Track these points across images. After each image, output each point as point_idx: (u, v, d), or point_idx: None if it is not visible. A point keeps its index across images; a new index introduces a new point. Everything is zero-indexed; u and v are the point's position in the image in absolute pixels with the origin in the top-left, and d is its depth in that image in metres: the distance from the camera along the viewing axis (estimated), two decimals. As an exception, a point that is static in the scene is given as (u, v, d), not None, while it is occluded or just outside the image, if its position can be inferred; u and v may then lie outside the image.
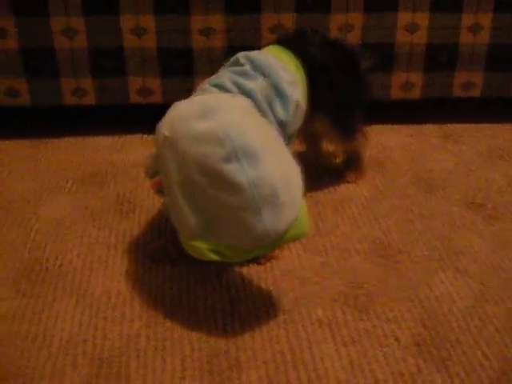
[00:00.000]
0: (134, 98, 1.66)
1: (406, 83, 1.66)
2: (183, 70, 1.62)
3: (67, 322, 1.06)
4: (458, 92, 1.70)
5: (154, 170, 1.09)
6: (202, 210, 0.98)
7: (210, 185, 0.95)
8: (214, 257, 0.99)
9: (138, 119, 1.76)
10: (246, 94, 1.12)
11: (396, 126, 1.74)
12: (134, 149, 1.66)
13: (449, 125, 1.76)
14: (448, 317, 1.06)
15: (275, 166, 0.96)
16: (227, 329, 1.04)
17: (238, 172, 0.93)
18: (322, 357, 0.98)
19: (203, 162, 0.95)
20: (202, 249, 0.99)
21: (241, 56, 1.20)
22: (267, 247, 1.00)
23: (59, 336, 1.03)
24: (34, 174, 1.54)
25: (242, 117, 0.98)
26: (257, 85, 1.14)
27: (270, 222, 0.95)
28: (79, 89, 1.64)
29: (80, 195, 1.44)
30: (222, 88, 1.12)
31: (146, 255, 1.22)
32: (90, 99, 1.66)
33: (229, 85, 1.12)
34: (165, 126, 1.02)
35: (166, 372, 0.96)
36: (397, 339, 1.01)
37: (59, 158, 1.62)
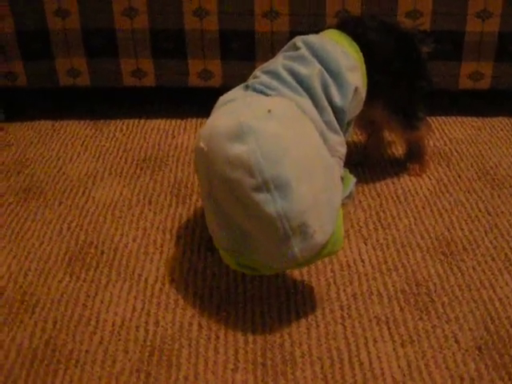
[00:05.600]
0: (194, 82, 1.64)
1: (475, 73, 1.59)
2: (244, 54, 1.60)
3: (120, 307, 1.05)
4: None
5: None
6: (230, 227, 0.97)
7: (239, 208, 0.94)
8: (242, 270, 1.01)
9: (198, 102, 1.75)
10: (300, 80, 1.08)
11: (463, 118, 1.68)
12: (194, 133, 1.64)
13: (519, 118, 1.68)
14: (512, 320, 1.01)
15: (308, 194, 0.93)
16: (282, 321, 1.02)
17: (267, 203, 0.91)
18: (379, 356, 0.95)
19: (233, 187, 0.93)
20: (230, 261, 1.00)
21: (298, 40, 1.17)
22: (297, 266, 1.00)
23: (112, 321, 1.03)
24: (95, 155, 1.54)
25: (277, 139, 0.93)
26: (313, 70, 1.10)
27: (299, 249, 0.93)
28: (139, 70, 1.63)
29: (138, 178, 1.43)
30: (275, 75, 1.09)
31: (202, 242, 1.21)
32: (149, 80, 1.65)
33: (282, 72, 1.09)
34: (203, 135, 0.99)
35: (218, 363, 0.95)
36: (457, 341, 0.98)
37: (120, 140, 1.62)
